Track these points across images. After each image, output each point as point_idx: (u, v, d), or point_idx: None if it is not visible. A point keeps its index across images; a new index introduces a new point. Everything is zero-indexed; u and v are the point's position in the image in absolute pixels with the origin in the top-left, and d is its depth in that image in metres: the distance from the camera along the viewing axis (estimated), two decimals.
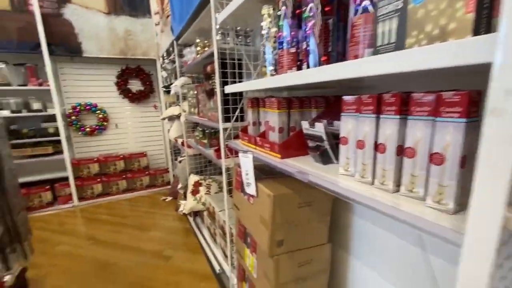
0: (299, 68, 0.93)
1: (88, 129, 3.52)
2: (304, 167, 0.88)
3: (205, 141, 2.14)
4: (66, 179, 3.29)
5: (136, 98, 3.76)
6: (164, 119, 3.27)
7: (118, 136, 3.83)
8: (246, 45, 1.45)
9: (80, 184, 3.39)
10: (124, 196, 3.67)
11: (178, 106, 2.93)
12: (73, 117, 3.39)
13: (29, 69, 2.95)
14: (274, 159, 1.01)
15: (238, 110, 1.49)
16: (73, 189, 3.32)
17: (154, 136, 4.10)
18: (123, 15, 3.29)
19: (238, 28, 1.44)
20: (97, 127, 3.58)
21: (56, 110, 3.04)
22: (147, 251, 2.33)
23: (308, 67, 0.87)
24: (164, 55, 3.24)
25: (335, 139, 0.90)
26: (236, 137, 1.55)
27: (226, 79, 1.44)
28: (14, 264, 1.60)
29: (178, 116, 2.85)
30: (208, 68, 1.60)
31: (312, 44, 0.85)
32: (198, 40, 1.93)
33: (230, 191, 2.76)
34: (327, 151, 0.90)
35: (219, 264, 2.04)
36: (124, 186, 3.69)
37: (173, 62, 2.92)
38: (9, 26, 2.73)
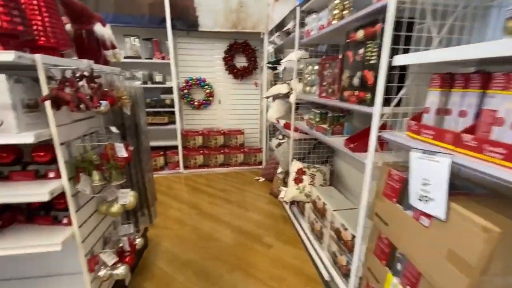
0: None
1: (196, 103, 3.72)
2: None
3: (325, 126, 1.81)
4: (175, 147, 3.60)
5: (239, 74, 3.72)
6: (267, 97, 3.10)
7: (220, 112, 3.94)
8: None
9: (186, 154, 3.66)
10: (220, 170, 3.81)
11: (286, 84, 2.67)
12: (185, 91, 3.62)
13: (155, 43, 3.21)
14: None
15: (403, 90, 1.08)
16: (180, 157, 3.62)
17: (251, 115, 4.05)
18: None
19: None
20: (204, 101, 3.74)
21: (173, 83, 3.27)
22: (247, 233, 2.27)
23: None
24: (273, 29, 2.99)
25: None
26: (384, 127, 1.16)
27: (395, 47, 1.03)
28: (141, 226, 1.72)
29: (286, 95, 2.60)
30: (360, 34, 1.22)
31: None
32: (337, 1, 1.55)
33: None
34: None
35: (327, 270, 1.77)
36: (221, 160, 3.82)
37: (287, 33, 2.63)
38: (142, 1, 2.97)
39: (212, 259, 1.93)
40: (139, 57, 3.21)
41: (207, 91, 3.70)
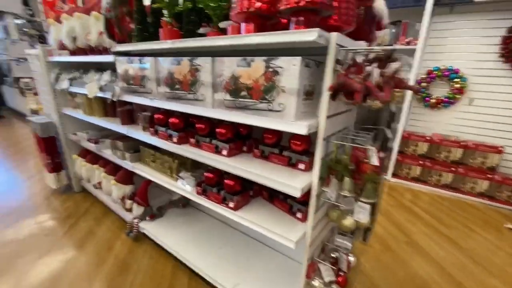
0: None
1: (433, 101, 2.88)
2: None
3: None
4: (389, 149, 3.07)
5: None
6: None
7: (467, 115, 2.83)
8: None
9: (400, 160, 3.02)
10: (442, 193, 2.85)
11: None
12: (423, 84, 2.88)
13: (403, 26, 2.71)
14: None
15: None
16: (392, 162, 3.05)
17: None
18: None
19: None
20: (446, 99, 2.82)
21: (412, 74, 2.66)
22: None
23: None
24: None
25: None
26: None
27: None
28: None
29: None
30: None
31: None
32: None
33: None
34: None
35: None
36: (448, 180, 2.82)
37: None
38: None
39: None
40: (379, 45, 2.87)
41: (456, 86, 2.72)
